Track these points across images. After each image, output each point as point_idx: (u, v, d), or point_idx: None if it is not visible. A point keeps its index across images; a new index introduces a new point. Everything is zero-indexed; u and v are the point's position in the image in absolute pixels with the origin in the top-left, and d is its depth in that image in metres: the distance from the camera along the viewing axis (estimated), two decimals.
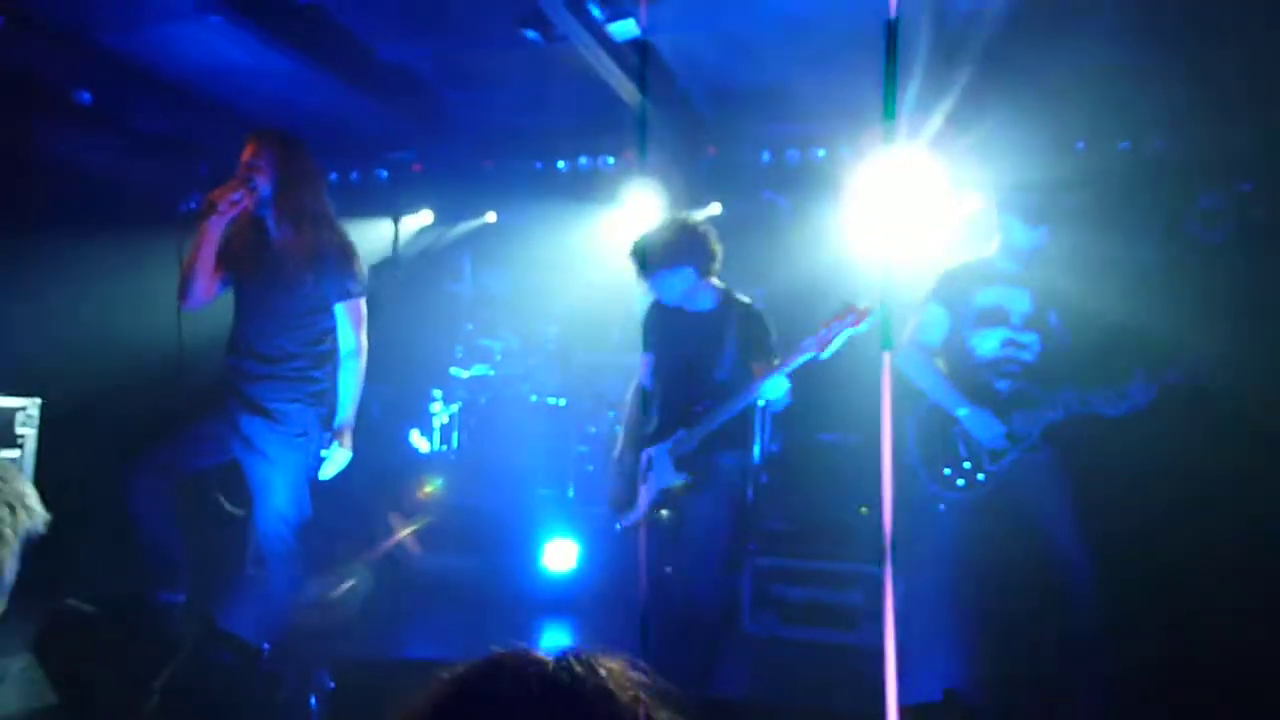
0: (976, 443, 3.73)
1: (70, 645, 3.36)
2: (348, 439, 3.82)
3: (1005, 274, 3.86)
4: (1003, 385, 3.74)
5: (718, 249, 4.00)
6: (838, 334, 3.64)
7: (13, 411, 5.30)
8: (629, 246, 4.07)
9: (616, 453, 4.30)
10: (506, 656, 0.93)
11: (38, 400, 5.23)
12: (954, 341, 3.89)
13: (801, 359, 3.68)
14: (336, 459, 3.79)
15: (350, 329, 3.77)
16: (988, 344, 3.81)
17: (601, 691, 0.89)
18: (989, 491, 3.70)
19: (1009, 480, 3.68)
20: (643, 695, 0.92)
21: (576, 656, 0.93)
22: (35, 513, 0.96)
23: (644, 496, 4.00)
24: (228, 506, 4.21)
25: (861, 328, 3.63)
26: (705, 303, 4.04)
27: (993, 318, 3.81)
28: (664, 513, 4.02)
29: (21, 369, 4.80)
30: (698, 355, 3.96)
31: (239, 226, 3.65)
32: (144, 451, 3.67)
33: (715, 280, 4.04)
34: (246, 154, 3.68)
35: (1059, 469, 3.66)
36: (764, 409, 6.45)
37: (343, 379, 3.78)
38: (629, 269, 4.07)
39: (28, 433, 5.31)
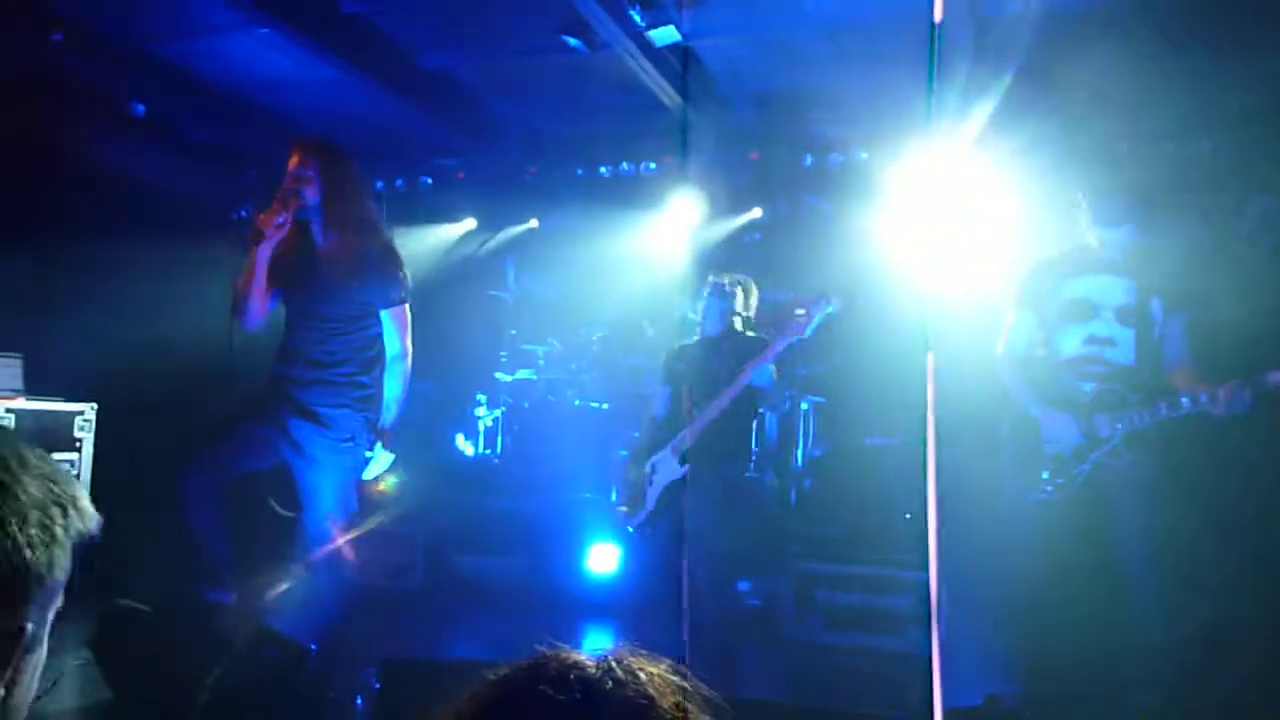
0: (1058, 445, 3.57)
1: (123, 643, 3.44)
2: (390, 441, 3.86)
3: (1102, 261, 3.61)
4: (1087, 386, 3.53)
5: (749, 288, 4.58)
6: (814, 317, 4.07)
7: (71, 416, 5.43)
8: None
9: (624, 470, 4.70)
10: (549, 658, 0.93)
11: (94, 405, 5.36)
12: (1040, 340, 3.72)
13: (784, 344, 4.09)
14: (380, 461, 3.85)
15: (396, 334, 3.81)
16: (1069, 341, 3.60)
17: (642, 697, 0.89)
18: (1067, 496, 3.53)
19: (1089, 485, 3.50)
20: (685, 701, 0.92)
21: (618, 660, 0.93)
22: (87, 514, 0.98)
23: (650, 495, 4.33)
24: (278, 509, 4.28)
25: (831, 309, 4.07)
26: (724, 329, 4.49)
27: (1077, 312, 3.60)
28: None
29: (79, 374, 4.92)
30: (719, 380, 4.29)
31: (287, 237, 3.70)
32: (196, 455, 3.74)
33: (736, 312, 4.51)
34: (293, 164, 3.73)
35: (1139, 475, 3.45)
36: (806, 414, 6.47)
37: (388, 383, 3.83)
38: (670, 273, 4.36)
39: (85, 436, 5.44)
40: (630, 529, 4.54)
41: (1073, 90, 5.42)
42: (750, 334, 4.51)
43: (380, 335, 3.81)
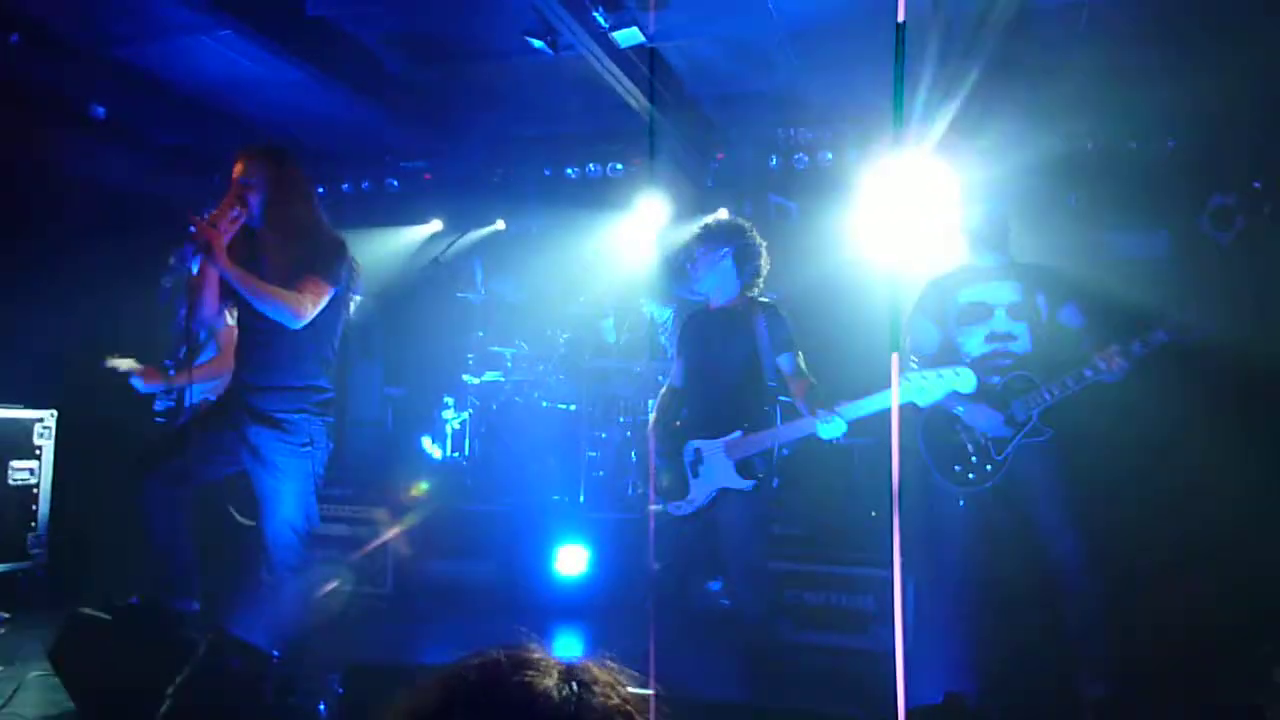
0: (980, 435, 3.77)
1: (85, 652, 3.40)
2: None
3: (984, 271, 3.93)
4: (995, 380, 3.77)
5: (760, 245, 4.13)
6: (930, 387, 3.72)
7: (31, 423, 5.37)
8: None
9: (653, 444, 4.30)
10: (502, 661, 0.93)
11: (54, 412, 5.30)
12: (947, 346, 3.96)
13: (867, 407, 3.65)
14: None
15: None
16: (973, 342, 3.87)
17: (592, 707, 0.89)
18: (997, 483, 3.73)
19: (1014, 468, 3.71)
20: (631, 710, 0.92)
21: (570, 670, 0.93)
22: None
23: (699, 490, 4.00)
24: (238, 517, 4.25)
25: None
26: (730, 301, 4.12)
27: (974, 316, 3.89)
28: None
29: (38, 381, 4.85)
30: (728, 352, 4.03)
31: (233, 243, 3.64)
32: (156, 462, 3.70)
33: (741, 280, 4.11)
34: (237, 170, 3.68)
35: (1056, 449, 3.69)
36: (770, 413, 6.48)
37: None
38: (638, 274, 4.25)
39: (45, 444, 5.38)
40: (661, 507, 4.16)
41: (1039, 89, 5.51)
42: (763, 300, 4.16)
43: (338, 335, 3.77)
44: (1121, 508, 3.99)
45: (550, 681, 0.91)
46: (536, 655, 0.94)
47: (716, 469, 3.95)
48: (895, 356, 3.34)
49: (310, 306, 3.57)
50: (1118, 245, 6.05)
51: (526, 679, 0.91)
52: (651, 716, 0.99)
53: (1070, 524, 3.61)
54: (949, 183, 5.41)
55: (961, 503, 3.84)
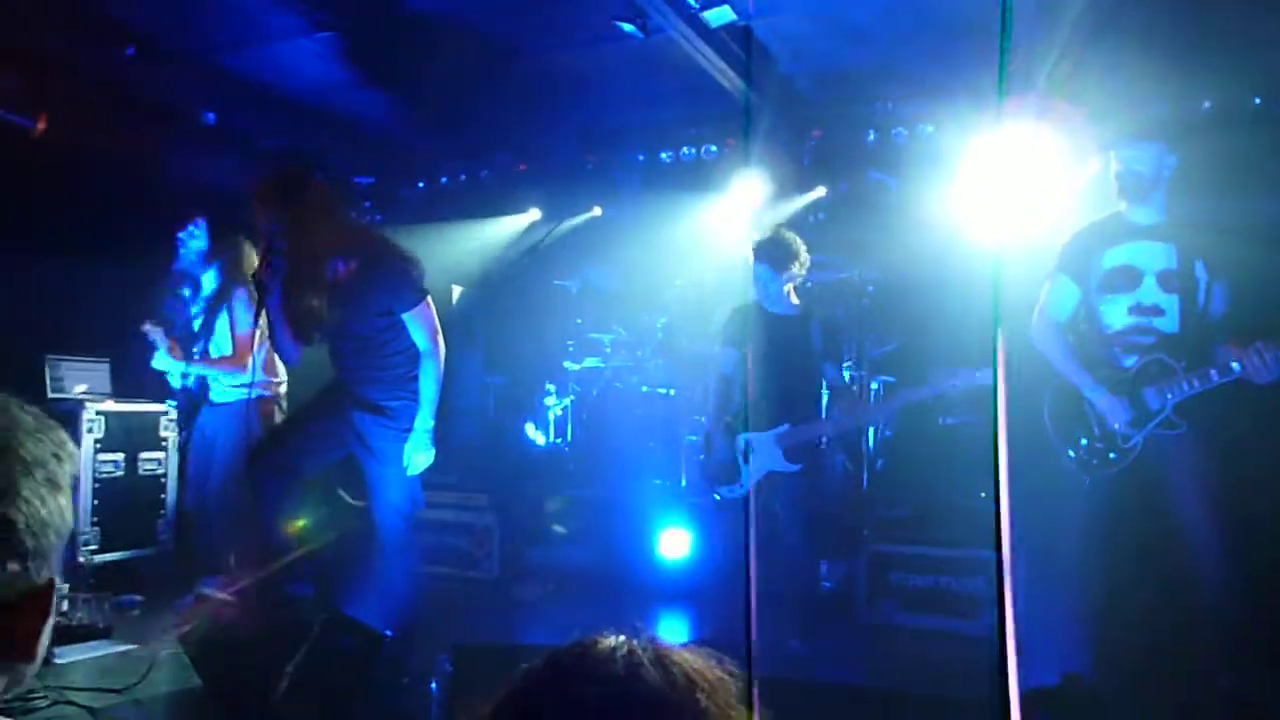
0: (1108, 420, 3.49)
1: (209, 633, 3.56)
2: (429, 440, 3.79)
3: (1136, 228, 3.51)
4: (1130, 360, 3.45)
5: (801, 255, 4.49)
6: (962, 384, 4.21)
7: (157, 416, 5.65)
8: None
9: (706, 434, 4.86)
10: (575, 651, 0.92)
11: (177, 404, 5.55)
12: (1083, 312, 3.64)
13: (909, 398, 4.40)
14: (415, 462, 3.76)
15: (421, 332, 3.74)
16: (1115, 313, 3.52)
17: (671, 690, 0.88)
18: (1123, 470, 3.46)
19: (1144, 458, 3.42)
20: (713, 694, 0.90)
21: (646, 651, 0.92)
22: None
23: (748, 475, 4.48)
24: (348, 499, 4.40)
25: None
26: (787, 307, 4.55)
27: (1120, 281, 3.50)
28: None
29: (163, 376, 5.10)
30: (785, 354, 4.43)
31: (287, 280, 3.68)
32: (266, 452, 3.85)
33: (793, 288, 4.57)
34: (258, 218, 3.70)
35: (1195, 446, 3.36)
36: (875, 394, 6.38)
37: (423, 383, 3.76)
38: (735, 257, 4.46)
39: (170, 435, 5.65)
40: (718, 498, 4.74)
41: (1151, 53, 5.24)
42: (810, 307, 4.66)
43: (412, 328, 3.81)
44: (1262, 503, 3.60)
45: (610, 644, 0.91)
46: (614, 635, 0.93)
47: (765, 456, 4.46)
48: (1000, 331, 3.23)
49: (437, 336, 3.75)
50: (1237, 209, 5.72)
51: (586, 644, 0.91)
52: (755, 702, 0.97)
53: (1208, 515, 3.31)
54: (1056, 150, 5.20)
55: (1087, 483, 3.59)
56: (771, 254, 4.49)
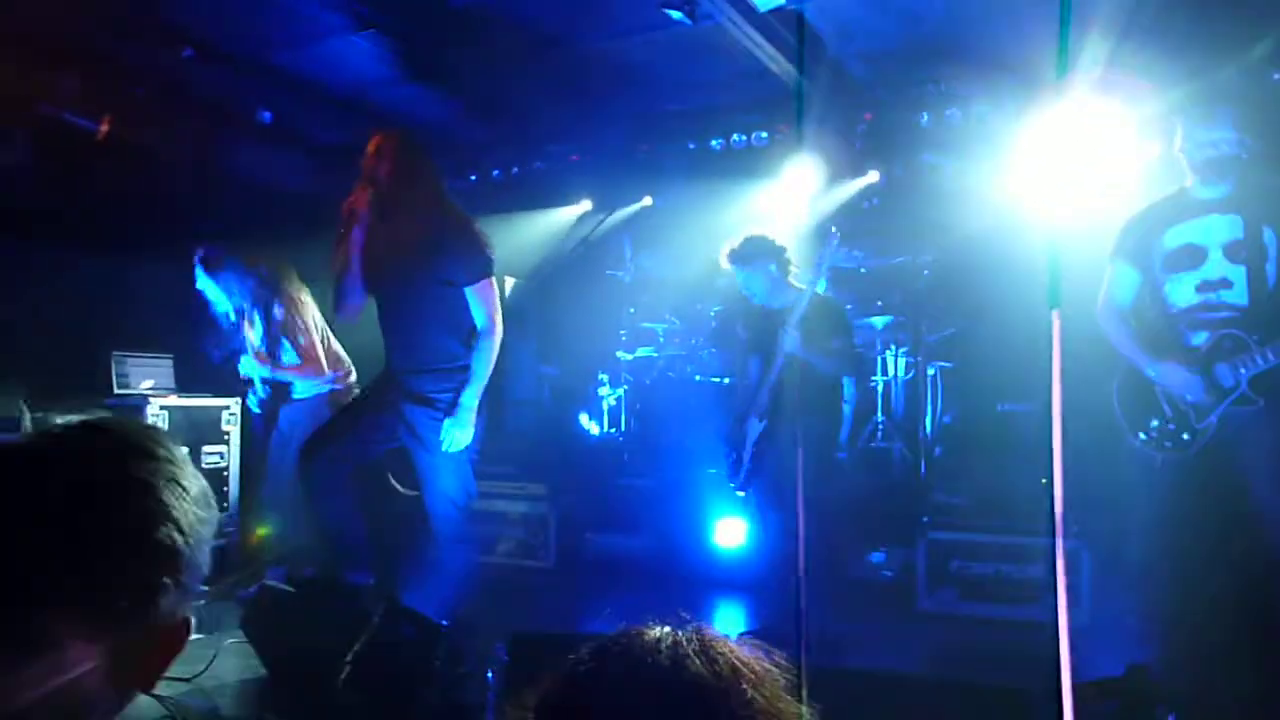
0: (1179, 400, 3.39)
1: (272, 623, 3.64)
2: (470, 418, 3.79)
3: (1201, 203, 3.39)
4: (1200, 338, 3.34)
5: (774, 249, 4.56)
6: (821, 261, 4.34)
7: (219, 410, 5.78)
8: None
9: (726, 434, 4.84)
10: (622, 641, 0.92)
11: (239, 399, 5.67)
12: (1147, 295, 3.54)
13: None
14: (454, 438, 3.75)
15: (481, 308, 3.79)
16: (1181, 291, 3.40)
17: (717, 680, 0.87)
18: (1198, 451, 3.34)
19: (1219, 438, 3.30)
20: (760, 685, 0.89)
21: (692, 641, 0.91)
22: (215, 510, 1.03)
23: (746, 453, 4.60)
24: (400, 489, 4.46)
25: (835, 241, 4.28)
26: (778, 300, 4.53)
27: (1184, 260, 3.39)
28: None
29: (220, 373, 5.21)
30: (771, 346, 4.46)
31: (368, 230, 3.78)
32: (318, 445, 3.91)
33: (794, 280, 4.56)
34: (369, 151, 3.81)
35: (1271, 419, 3.21)
36: (931, 380, 6.30)
37: (476, 360, 3.78)
38: (787, 243, 4.60)
39: (232, 429, 5.78)
40: (733, 485, 4.77)
41: (1214, 19, 5.06)
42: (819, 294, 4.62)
43: (472, 311, 3.83)
44: None
45: (656, 634, 0.90)
46: (660, 625, 0.93)
47: (752, 427, 4.55)
48: (1055, 314, 3.14)
49: (497, 314, 3.82)
50: None
51: (632, 634, 0.90)
52: (803, 688, 0.96)
53: None
54: (1118, 126, 5.06)
55: (1158, 463, 3.46)
56: (740, 255, 4.53)
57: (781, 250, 4.58)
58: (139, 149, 5.72)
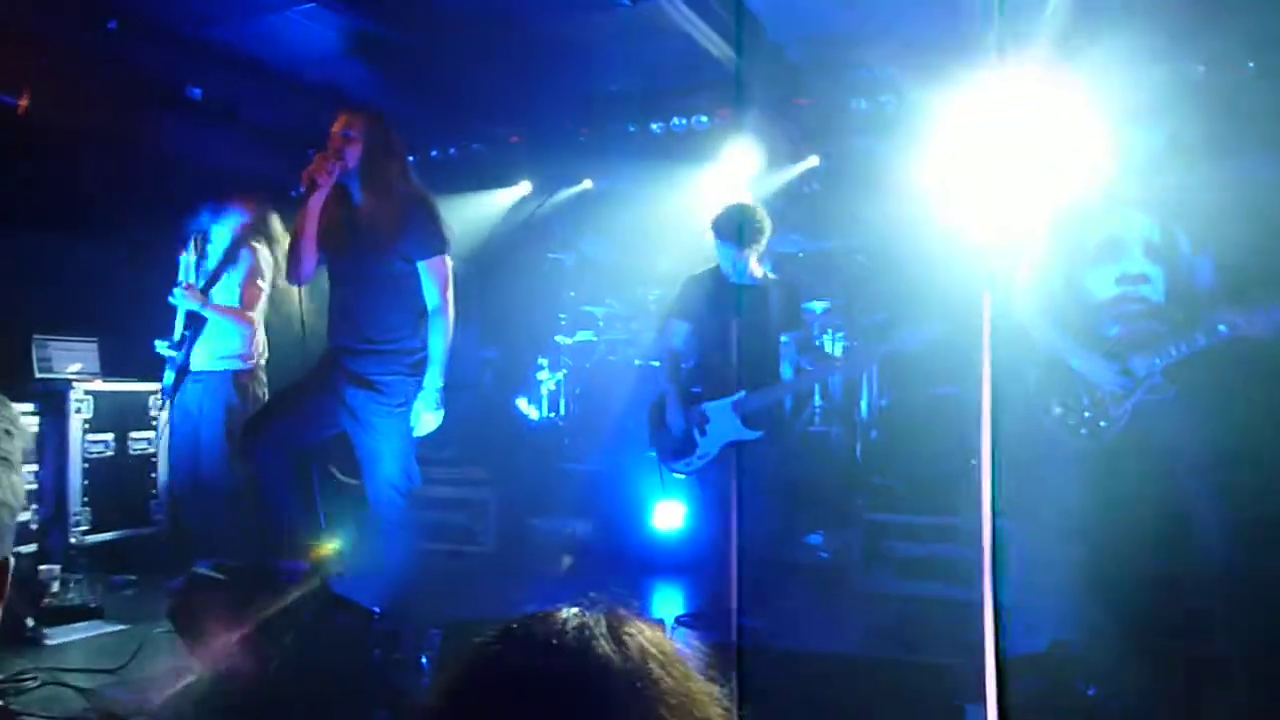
0: (1097, 388, 3.50)
1: (201, 611, 3.56)
2: (438, 400, 3.81)
3: (1126, 199, 3.51)
4: (1116, 330, 3.46)
5: (763, 226, 4.43)
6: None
7: (147, 395, 5.64)
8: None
9: (652, 408, 4.79)
10: (527, 624, 0.90)
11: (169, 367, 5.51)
12: (1069, 285, 3.63)
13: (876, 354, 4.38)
14: (425, 422, 3.79)
15: (435, 287, 3.78)
16: (1101, 283, 3.52)
17: (626, 663, 0.86)
18: (1115, 436, 3.47)
19: (1134, 425, 3.42)
20: (668, 665, 0.88)
21: (608, 623, 0.90)
22: (25, 431, 0.99)
23: (706, 445, 4.46)
24: (340, 476, 4.39)
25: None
26: (749, 279, 4.47)
27: (1107, 253, 3.50)
28: None
29: (152, 355, 5.07)
30: (744, 324, 4.40)
31: (327, 199, 3.75)
32: (261, 427, 3.84)
33: (756, 259, 4.49)
34: (337, 126, 3.78)
35: (1182, 408, 3.37)
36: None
37: (431, 339, 3.79)
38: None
39: (160, 415, 5.63)
40: (681, 474, 4.67)
41: (1147, 18, 5.16)
42: (772, 277, 4.61)
43: (424, 294, 3.81)
44: (1258, 472, 3.58)
45: (564, 616, 0.89)
46: (569, 608, 0.91)
47: (723, 425, 4.43)
48: (986, 297, 3.18)
49: (450, 292, 3.81)
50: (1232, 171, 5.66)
51: (540, 616, 0.89)
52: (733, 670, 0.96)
53: (1202, 483, 3.32)
54: (1050, 114, 5.14)
55: (1078, 451, 3.59)
56: (726, 228, 4.42)
57: (765, 230, 4.47)
58: (60, 125, 5.52)
